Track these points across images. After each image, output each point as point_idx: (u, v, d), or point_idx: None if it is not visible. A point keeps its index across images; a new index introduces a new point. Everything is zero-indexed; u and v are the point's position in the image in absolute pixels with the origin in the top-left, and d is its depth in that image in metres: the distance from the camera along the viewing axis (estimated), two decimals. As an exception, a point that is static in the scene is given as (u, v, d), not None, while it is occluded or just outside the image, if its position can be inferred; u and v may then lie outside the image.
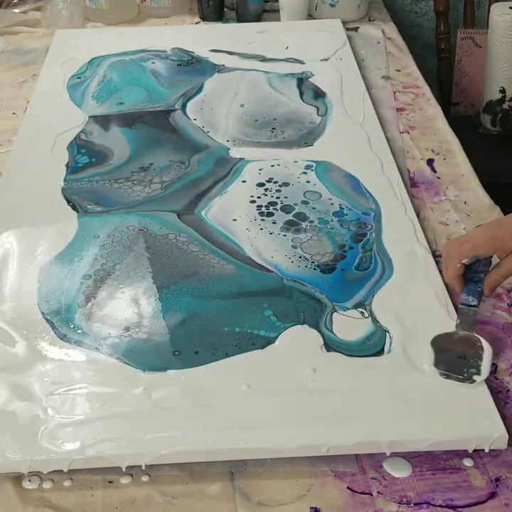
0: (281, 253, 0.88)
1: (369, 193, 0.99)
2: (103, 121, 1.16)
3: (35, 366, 0.74)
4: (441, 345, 0.75)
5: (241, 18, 1.52)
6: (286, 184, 1.00)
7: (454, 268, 0.77)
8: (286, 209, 0.96)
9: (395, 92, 1.26)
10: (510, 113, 1.62)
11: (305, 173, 1.03)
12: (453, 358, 0.74)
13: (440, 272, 0.86)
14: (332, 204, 0.97)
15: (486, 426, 0.68)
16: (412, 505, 0.64)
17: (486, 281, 0.77)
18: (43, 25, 1.51)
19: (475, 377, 0.72)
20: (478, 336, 0.75)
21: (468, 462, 0.68)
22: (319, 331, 0.78)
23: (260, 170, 1.03)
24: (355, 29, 1.49)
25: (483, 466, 0.67)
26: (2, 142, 1.14)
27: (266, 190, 0.99)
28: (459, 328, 0.76)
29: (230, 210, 0.96)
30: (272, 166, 1.04)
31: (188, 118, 1.16)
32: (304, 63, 1.32)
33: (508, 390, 0.74)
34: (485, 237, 0.77)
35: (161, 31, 1.47)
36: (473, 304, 0.77)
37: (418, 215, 0.95)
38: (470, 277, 0.78)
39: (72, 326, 0.79)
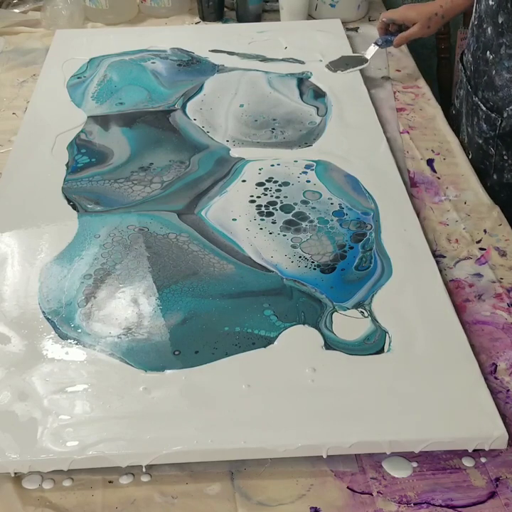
0: (281, 253, 0.88)
1: (368, 192, 0.99)
2: (103, 121, 1.16)
3: (36, 366, 0.74)
4: (343, 58, 1.31)
5: (241, 18, 1.52)
6: (286, 184, 1.00)
7: (380, 22, 1.32)
8: (285, 209, 0.96)
9: (395, 92, 1.26)
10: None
11: (305, 172, 1.03)
12: (342, 64, 1.30)
13: (440, 271, 0.86)
14: (332, 204, 0.97)
15: (486, 426, 0.68)
16: (412, 505, 0.64)
17: (397, 38, 1.29)
18: (43, 25, 1.51)
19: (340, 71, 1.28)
20: (368, 59, 1.30)
21: (468, 462, 0.68)
22: (319, 331, 0.78)
23: (260, 169, 1.03)
24: (355, 29, 1.49)
25: (483, 466, 0.67)
26: (2, 142, 1.14)
27: (266, 189, 0.99)
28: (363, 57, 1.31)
29: (230, 210, 0.96)
30: (272, 165, 1.04)
31: (188, 118, 1.16)
32: (303, 63, 1.32)
33: (508, 390, 0.74)
34: (400, 9, 1.30)
35: (160, 31, 1.47)
36: (379, 43, 1.31)
37: (418, 215, 0.95)
38: (391, 34, 1.31)
39: (72, 326, 0.79)
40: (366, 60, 1.30)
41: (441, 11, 1.22)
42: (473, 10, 1.14)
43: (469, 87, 1.17)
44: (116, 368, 0.74)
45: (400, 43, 1.30)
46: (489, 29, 1.06)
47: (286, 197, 0.98)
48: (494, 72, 1.07)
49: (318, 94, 1.22)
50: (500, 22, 1.04)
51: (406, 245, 0.89)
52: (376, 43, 1.31)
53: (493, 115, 1.09)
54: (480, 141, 1.14)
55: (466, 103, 1.19)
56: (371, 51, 1.31)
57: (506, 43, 1.03)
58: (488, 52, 1.08)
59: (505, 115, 1.07)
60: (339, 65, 1.29)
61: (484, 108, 1.11)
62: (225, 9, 1.56)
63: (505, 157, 1.10)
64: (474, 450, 0.68)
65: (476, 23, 1.12)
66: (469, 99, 1.17)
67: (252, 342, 0.77)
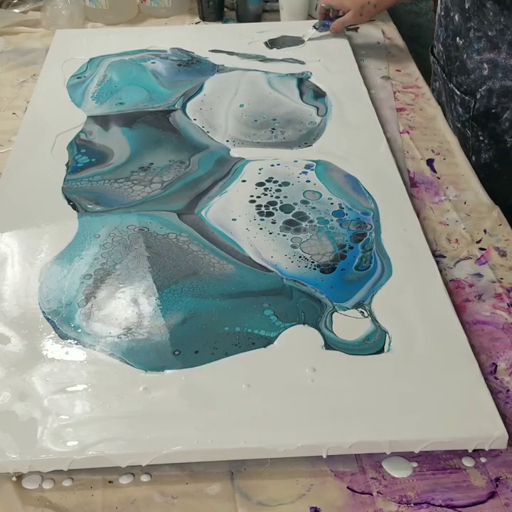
0: (281, 253, 0.88)
1: (368, 192, 0.99)
2: (103, 121, 1.16)
3: (36, 366, 0.74)
4: (282, 37, 1.40)
5: (241, 18, 1.52)
6: (286, 184, 1.00)
7: (320, 8, 1.38)
8: (285, 209, 0.96)
9: (395, 92, 1.26)
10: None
11: (305, 172, 1.03)
12: (280, 42, 1.38)
13: (440, 271, 0.86)
14: (332, 204, 0.97)
15: (486, 426, 0.68)
16: (412, 505, 0.64)
17: (333, 23, 1.36)
18: (43, 25, 1.51)
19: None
20: (305, 41, 1.38)
21: (468, 462, 0.68)
22: (319, 331, 0.78)
23: (260, 169, 1.03)
24: (355, 29, 1.49)
25: (483, 466, 0.67)
26: (2, 142, 1.14)
27: (266, 189, 0.99)
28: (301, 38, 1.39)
29: (230, 210, 0.96)
30: (272, 165, 1.04)
31: (188, 118, 1.16)
32: (303, 63, 1.32)
33: (508, 390, 0.74)
34: None
35: (160, 31, 1.47)
36: (317, 27, 1.39)
37: (418, 215, 0.95)
38: (329, 19, 1.38)
39: (72, 326, 0.79)
40: (303, 42, 1.38)
41: (373, 1, 1.29)
42: (439, 2, 1.20)
43: (444, 75, 1.22)
44: (116, 368, 0.74)
45: (335, 29, 1.37)
46: (457, 16, 1.12)
47: (286, 197, 0.98)
48: (465, 55, 1.13)
49: (318, 94, 1.22)
50: (466, 7, 1.10)
51: (406, 245, 0.90)
52: (314, 27, 1.40)
53: (467, 98, 1.14)
54: (458, 125, 1.19)
55: (444, 92, 1.24)
56: (309, 33, 1.39)
57: (474, 27, 1.07)
58: (457, 38, 1.13)
59: (478, 96, 1.12)
60: (276, 43, 1.38)
61: (459, 92, 1.17)
62: (225, 9, 1.56)
63: (481, 137, 1.13)
64: (474, 450, 0.68)
65: (443, 13, 1.19)
66: (446, 87, 1.22)
67: (252, 342, 0.77)
